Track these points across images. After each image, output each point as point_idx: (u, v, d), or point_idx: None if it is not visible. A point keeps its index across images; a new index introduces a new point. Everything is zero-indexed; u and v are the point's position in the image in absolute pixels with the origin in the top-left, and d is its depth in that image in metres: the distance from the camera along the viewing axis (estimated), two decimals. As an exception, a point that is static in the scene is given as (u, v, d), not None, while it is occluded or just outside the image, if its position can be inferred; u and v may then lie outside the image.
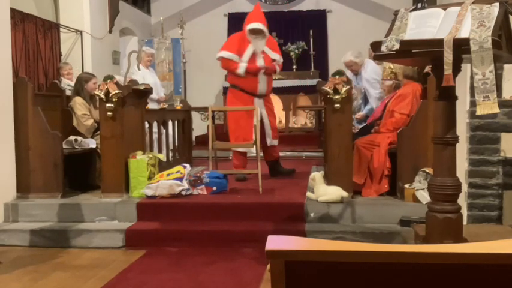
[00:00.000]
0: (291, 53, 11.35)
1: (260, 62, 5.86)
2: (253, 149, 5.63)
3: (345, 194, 4.58)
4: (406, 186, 4.61)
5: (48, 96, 5.86)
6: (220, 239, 4.39)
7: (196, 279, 3.63)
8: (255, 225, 4.49)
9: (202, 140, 8.91)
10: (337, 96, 4.67)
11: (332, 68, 9.02)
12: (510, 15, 2.57)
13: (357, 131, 5.47)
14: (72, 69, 7.61)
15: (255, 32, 5.81)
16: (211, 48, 8.73)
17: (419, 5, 2.68)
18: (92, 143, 5.57)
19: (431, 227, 2.69)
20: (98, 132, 5.26)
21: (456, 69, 2.47)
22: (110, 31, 9.39)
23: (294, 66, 11.31)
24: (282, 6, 11.87)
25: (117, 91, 4.92)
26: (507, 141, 3.92)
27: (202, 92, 11.14)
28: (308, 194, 4.81)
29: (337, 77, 4.70)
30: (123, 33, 10.51)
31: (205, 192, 5.08)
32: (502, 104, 3.76)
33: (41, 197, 5.01)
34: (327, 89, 4.68)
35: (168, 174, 4.99)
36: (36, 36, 7.51)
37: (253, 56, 5.84)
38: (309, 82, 10.50)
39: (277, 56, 6.00)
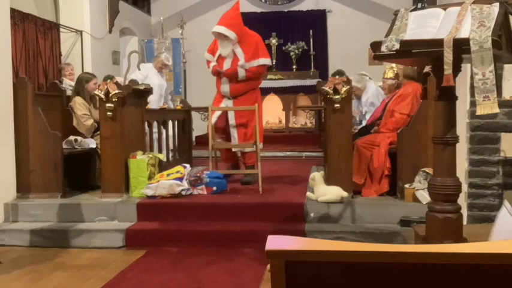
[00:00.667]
0: (291, 53, 11.36)
1: (226, 65, 5.71)
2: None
3: (345, 194, 4.58)
4: (406, 186, 4.61)
5: (48, 96, 5.85)
6: (220, 239, 4.39)
7: (196, 279, 3.63)
8: (255, 225, 4.49)
9: (202, 140, 8.91)
10: (337, 96, 4.67)
11: (332, 68, 9.01)
12: (510, 15, 2.57)
13: (357, 131, 5.47)
14: (74, 69, 7.62)
15: (218, 35, 5.69)
16: (211, 48, 8.73)
17: (419, 5, 2.68)
18: (92, 143, 5.57)
19: (431, 227, 2.68)
20: (98, 132, 5.26)
21: (456, 69, 2.47)
22: (110, 31, 9.39)
23: (294, 66, 11.32)
24: (282, 6, 11.87)
25: (117, 91, 4.92)
26: (507, 141, 3.92)
27: (202, 92, 11.13)
28: (308, 194, 4.81)
29: (337, 77, 4.69)
30: (123, 33, 10.51)
31: (205, 192, 5.08)
32: (502, 104, 3.76)
33: (41, 197, 5.01)
34: (327, 89, 4.68)
35: (168, 174, 4.99)
36: (36, 36, 7.51)
37: (222, 58, 5.74)
38: (309, 82, 10.51)
39: (242, 61, 5.69)
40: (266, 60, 5.90)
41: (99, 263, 4.02)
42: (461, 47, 2.40)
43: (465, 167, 3.99)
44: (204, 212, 4.71)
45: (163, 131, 6.53)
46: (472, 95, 3.56)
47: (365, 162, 4.91)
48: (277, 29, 11.53)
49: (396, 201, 4.71)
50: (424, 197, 4.35)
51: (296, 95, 10.85)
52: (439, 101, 2.62)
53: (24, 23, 7.20)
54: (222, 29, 5.66)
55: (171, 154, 6.78)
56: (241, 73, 5.74)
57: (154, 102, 7.01)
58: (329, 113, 4.83)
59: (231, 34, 5.64)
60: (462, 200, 3.65)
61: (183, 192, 4.94)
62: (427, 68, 4.93)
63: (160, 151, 6.25)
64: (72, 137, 5.46)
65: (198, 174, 5.21)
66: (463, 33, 2.40)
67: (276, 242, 1.13)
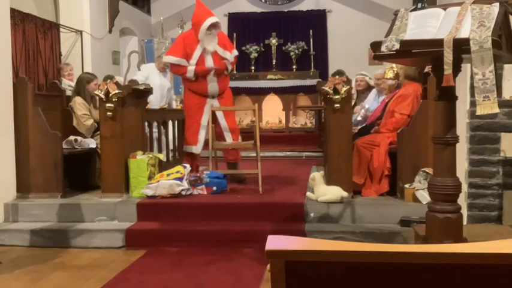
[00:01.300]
0: (291, 53, 11.36)
1: (209, 63, 5.58)
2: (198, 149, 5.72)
3: (345, 194, 4.58)
4: (406, 186, 4.61)
5: (48, 96, 5.85)
6: (220, 239, 4.39)
7: (196, 279, 3.63)
8: (255, 225, 4.49)
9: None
10: (337, 96, 4.67)
11: (332, 68, 9.02)
12: (510, 15, 2.57)
13: (357, 131, 5.46)
14: (73, 69, 7.61)
15: (213, 26, 5.53)
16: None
17: (419, 5, 2.68)
18: (92, 143, 5.57)
19: (431, 227, 2.68)
20: (98, 132, 5.26)
21: (456, 69, 2.47)
22: (110, 31, 9.39)
23: (294, 66, 11.32)
24: (282, 6, 11.87)
25: (117, 91, 4.92)
26: (507, 141, 3.92)
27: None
28: (308, 194, 4.81)
29: (337, 77, 4.69)
30: (123, 33, 10.51)
31: (205, 192, 5.08)
32: (502, 104, 3.76)
33: (41, 197, 5.01)
34: (327, 89, 4.68)
35: (168, 174, 4.99)
36: (36, 36, 7.51)
37: (202, 57, 5.57)
38: (309, 82, 10.51)
39: (227, 55, 5.69)
40: (236, 51, 5.94)
41: (99, 263, 4.02)
42: (461, 47, 2.40)
43: (465, 167, 3.99)
44: (204, 212, 4.71)
45: (163, 131, 6.53)
46: (472, 95, 3.56)
47: (365, 162, 4.91)
48: (277, 29, 11.53)
49: (396, 201, 4.70)
50: (424, 197, 4.35)
51: (296, 95, 10.85)
52: (439, 101, 2.62)
53: (24, 23, 7.20)
54: (217, 18, 5.61)
55: (171, 154, 6.78)
56: (230, 66, 5.76)
57: (154, 102, 7.01)
58: (329, 113, 4.83)
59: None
60: (462, 200, 3.65)
61: (183, 192, 4.94)
62: (427, 68, 4.93)
63: (160, 151, 6.24)
64: (72, 137, 5.46)
65: (198, 174, 5.21)
66: (463, 33, 2.40)
67: (276, 242, 1.13)
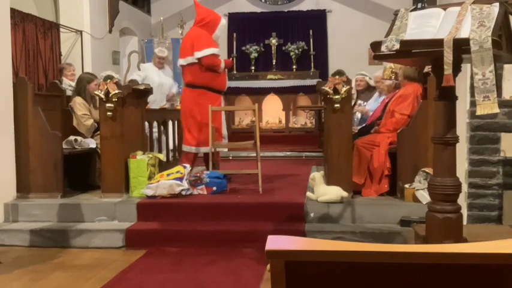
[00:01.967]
0: (291, 53, 11.36)
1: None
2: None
3: (345, 194, 4.58)
4: (406, 186, 4.61)
5: (48, 96, 5.85)
6: (220, 239, 4.39)
7: (196, 279, 3.63)
8: (255, 225, 4.49)
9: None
10: (337, 96, 4.67)
11: (332, 68, 9.02)
12: (510, 15, 2.57)
13: (357, 131, 5.47)
14: (75, 70, 7.61)
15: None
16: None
17: (419, 5, 2.68)
18: (92, 143, 5.57)
19: (431, 227, 2.68)
20: (98, 132, 5.26)
21: (456, 69, 2.47)
22: (110, 31, 9.39)
23: (294, 66, 11.32)
24: (282, 6, 11.87)
25: (117, 91, 4.92)
26: (507, 141, 3.92)
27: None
28: (308, 194, 4.81)
29: (337, 77, 4.69)
30: (123, 33, 10.51)
31: (205, 192, 5.08)
32: (502, 104, 3.76)
33: (41, 197, 5.01)
34: (327, 89, 4.68)
35: (168, 174, 4.99)
36: (36, 36, 7.51)
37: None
38: (309, 82, 10.51)
39: None
40: None
41: (99, 263, 4.02)
42: (461, 47, 2.40)
43: (465, 167, 3.99)
44: (204, 212, 4.71)
45: (164, 131, 6.53)
46: (472, 95, 3.56)
47: (365, 162, 4.91)
48: (277, 29, 11.53)
49: (396, 201, 4.70)
50: (424, 197, 4.34)
51: (296, 95, 10.86)
52: (439, 101, 2.62)
53: (24, 23, 7.20)
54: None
55: (171, 154, 6.78)
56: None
57: (153, 102, 7.00)
58: (329, 113, 4.83)
59: None
60: (462, 200, 3.65)
61: (183, 192, 4.94)
62: (427, 68, 4.92)
63: (160, 151, 6.24)
64: (72, 137, 5.46)
65: (198, 174, 5.21)
66: (463, 33, 2.40)
67: (276, 242, 1.13)
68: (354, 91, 6.55)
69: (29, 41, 7.32)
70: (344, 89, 4.66)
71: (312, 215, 4.56)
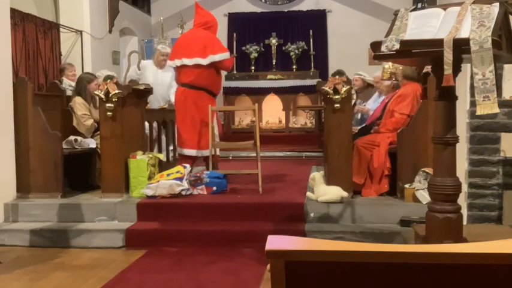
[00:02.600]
0: (291, 53, 11.36)
1: None
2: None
3: (345, 194, 4.58)
4: (406, 186, 4.61)
5: (48, 96, 5.86)
6: (220, 239, 4.39)
7: (196, 279, 3.63)
8: (255, 225, 4.49)
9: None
10: (337, 96, 4.67)
11: (332, 68, 9.02)
12: (510, 15, 2.57)
13: (357, 131, 5.46)
14: (76, 70, 7.59)
15: None
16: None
17: (419, 5, 2.68)
18: (92, 143, 5.57)
19: (431, 227, 2.69)
20: (98, 132, 5.26)
21: (456, 69, 2.47)
22: (110, 31, 9.39)
23: (294, 66, 11.31)
24: (282, 6, 11.87)
25: (117, 91, 4.92)
26: (507, 141, 3.92)
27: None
28: (308, 194, 4.81)
29: (337, 77, 4.69)
30: (123, 33, 10.51)
31: (205, 192, 5.08)
32: (502, 104, 3.76)
33: (41, 197, 5.01)
34: (327, 89, 4.68)
35: (168, 174, 4.99)
36: (36, 36, 7.51)
37: None
38: (309, 82, 10.51)
39: None
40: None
41: (99, 263, 4.02)
42: (461, 47, 2.40)
43: (465, 167, 3.99)
44: (204, 212, 4.71)
45: (164, 131, 6.53)
46: (472, 95, 3.56)
47: (365, 162, 4.91)
48: (277, 29, 11.53)
49: (396, 201, 4.70)
50: (424, 197, 4.34)
51: (296, 95, 10.85)
52: (439, 101, 2.62)
53: (24, 23, 7.20)
54: None
55: (171, 154, 6.78)
56: None
57: (152, 101, 6.96)
58: (329, 113, 4.83)
59: None
60: (462, 200, 3.65)
61: (183, 192, 4.94)
62: (426, 68, 4.92)
63: (160, 151, 6.24)
64: (72, 137, 5.46)
65: (198, 174, 5.21)
66: (463, 33, 2.41)
67: (276, 242, 1.13)
68: (354, 91, 6.55)
69: (29, 41, 7.32)
70: (344, 89, 4.66)
71: (312, 215, 4.56)
